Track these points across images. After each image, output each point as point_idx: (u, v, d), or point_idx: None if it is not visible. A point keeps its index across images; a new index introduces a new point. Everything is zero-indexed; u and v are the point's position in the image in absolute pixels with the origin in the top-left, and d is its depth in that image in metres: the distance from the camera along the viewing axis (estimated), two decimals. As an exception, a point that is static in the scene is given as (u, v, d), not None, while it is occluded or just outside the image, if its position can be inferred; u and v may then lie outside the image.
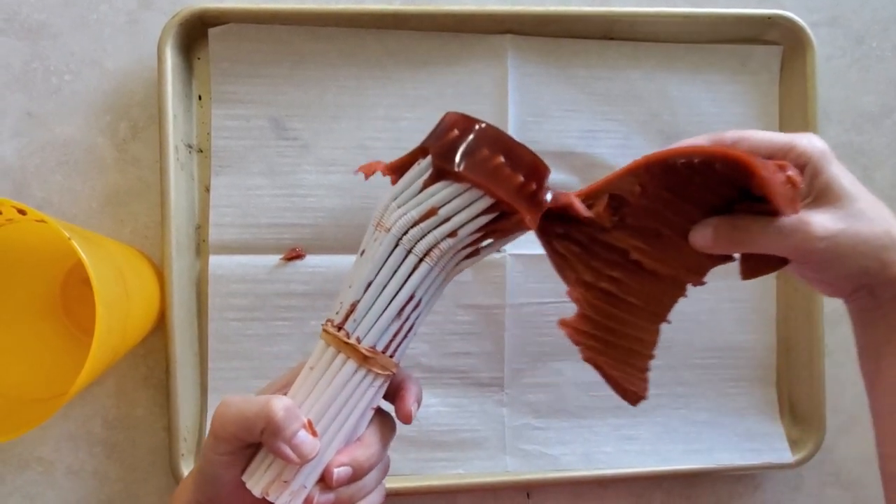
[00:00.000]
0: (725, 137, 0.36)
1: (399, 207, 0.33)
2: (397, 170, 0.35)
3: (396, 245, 0.33)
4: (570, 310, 0.51)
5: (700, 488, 0.55)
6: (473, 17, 0.51)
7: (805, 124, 0.54)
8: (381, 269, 0.33)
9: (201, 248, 0.51)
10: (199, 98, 0.51)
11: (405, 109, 0.52)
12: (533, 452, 0.53)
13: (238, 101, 0.51)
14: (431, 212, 0.33)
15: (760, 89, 0.55)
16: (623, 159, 0.54)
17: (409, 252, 0.33)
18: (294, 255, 0.51)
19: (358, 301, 0.33)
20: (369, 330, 0.33)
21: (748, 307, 0.55)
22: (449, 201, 0.33)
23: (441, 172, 0.32)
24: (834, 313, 0.56)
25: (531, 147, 0.36)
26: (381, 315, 0.33)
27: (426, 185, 0.33)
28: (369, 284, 0.33)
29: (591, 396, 0.54)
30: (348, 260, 0.51)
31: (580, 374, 0.54)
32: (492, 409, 0.53)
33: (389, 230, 0.33)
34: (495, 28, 0.52)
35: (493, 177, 0.32)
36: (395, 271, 0.33)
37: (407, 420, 0.36)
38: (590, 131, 0.53)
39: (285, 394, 0.34)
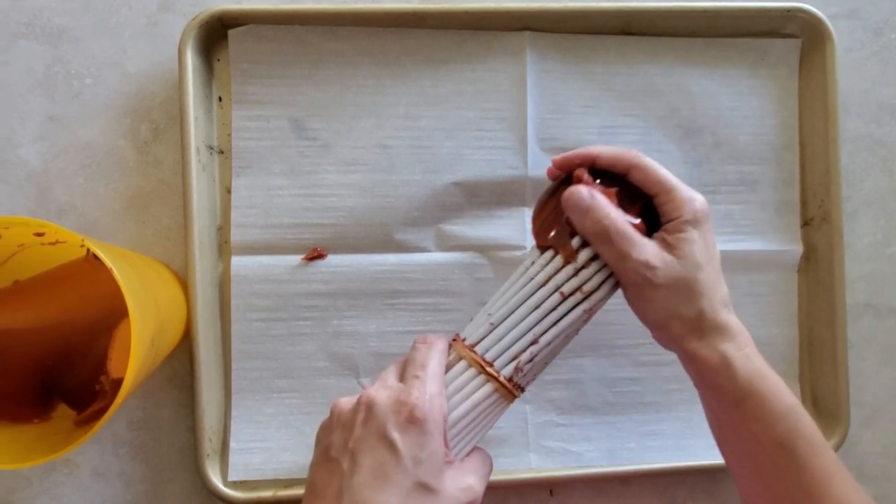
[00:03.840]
0: (625, 158, 0.41)
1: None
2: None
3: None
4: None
5: (723, 483, 0.55)
6: (492, 15, 0.51)
7: (825, 117, 0.53)
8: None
9: (223, 249, 0.51)
10: (220, 99, 0.51)
11: (424, 108, 0.52)
12: (556, 449, 0.53)
13: (258, 101, 0.51)
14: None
15: (779, 83, 0.55)
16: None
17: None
18: (316, 255, 0.51)
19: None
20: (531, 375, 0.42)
21: (769, 301, 0.55)
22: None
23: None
24: (856, 307, 0.56)
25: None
26: (545, 366, 0.42)
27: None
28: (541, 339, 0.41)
29: (614, 392, 0.54)
30: (369, 259, 0.51)
31: (602, 371, 0.54)
32: (514, 406, 0.52)
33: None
34: (514, 25, 0.52)
35: None
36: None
37: None
38: (609, 127, 0.53)
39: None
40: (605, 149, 0.41)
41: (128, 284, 0.33)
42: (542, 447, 0.53)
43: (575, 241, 0.40)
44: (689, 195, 0.40)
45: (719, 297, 0.40)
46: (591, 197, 0.39)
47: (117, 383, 0.36)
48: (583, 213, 0.39)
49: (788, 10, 0.53)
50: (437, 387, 0.38)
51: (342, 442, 0.37)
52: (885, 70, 0.57)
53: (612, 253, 0.39)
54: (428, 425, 0.36)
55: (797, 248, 0.55)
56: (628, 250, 0.38)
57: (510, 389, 0.40)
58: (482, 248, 0.52)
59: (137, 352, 0.32)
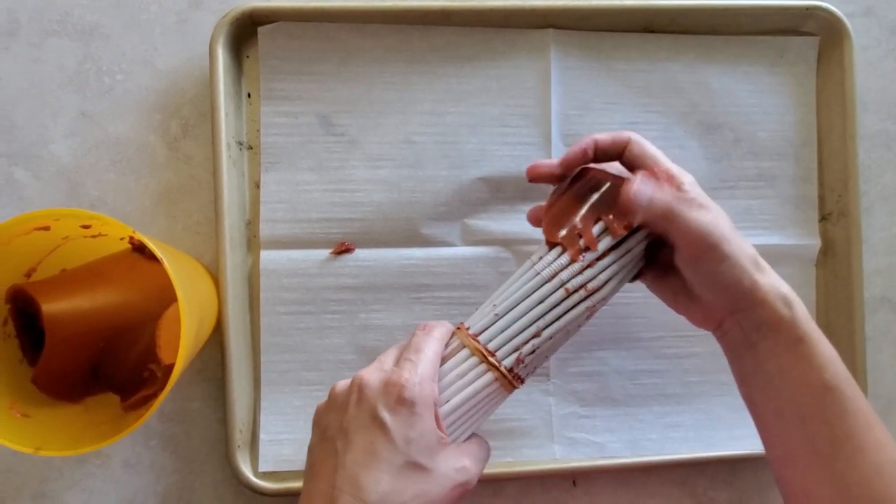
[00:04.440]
0: (623, 136, 0.43)
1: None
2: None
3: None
4: (613, 299, 0.52)
5: (743, 474, 0.56)
6: (517, 13, 0.52)
7: (843, 114, 0.54)
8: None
9: (252, 243, 0.52)
10: (249, 96, 0.52)
11: (450, 104, 0.53)
12: (580, 440, 0.54)
13: (286, 98, 0.52)
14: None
15: (798, 80, 0.56)
16: (664, 150, 0.53)
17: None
18: (343, 249, 0.52)
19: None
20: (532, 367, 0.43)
21: (788, 295, 0.56)
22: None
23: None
24: (873, 300, 0.57)
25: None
26: (546, 358, 0.43)
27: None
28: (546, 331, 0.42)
29: (636, 384, 0.55)
30: (396, 253, 0.52)
31: (624, 363, 0.55)
32: (539, 398, 0.54)
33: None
34: (538, 23, 0.53)
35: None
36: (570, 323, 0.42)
37: None
38: (631, 123, 0.54)
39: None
40: (602, 134, 0.43)
41: (177, 277, 0.33)
42: (565, 438, 0.53)
43: (582, 242, 0.41)
44: (679, 168, 0.42)
45: None
46: (653, 187, 0.40)
47: (169, 370, 0.37)
48: (647, 207, 0.40)
49: (807, 9, 0.54)
50: (428, 370, 0.39)
51: (337, 423, 0.38)
52: (901, 67, 0.58)
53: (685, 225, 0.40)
54: (417, 407, 0.37)
55: (815, 243, 0.56)
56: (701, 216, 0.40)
57: (510, 380, 0.41)
58: (507, 243, 0.53)
59: (187, 339, 0.33)
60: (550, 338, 0.41)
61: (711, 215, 0.40)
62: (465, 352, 0.42)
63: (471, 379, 0.41)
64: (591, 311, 0.42)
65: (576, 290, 0.41)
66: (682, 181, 0.41)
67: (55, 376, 0.40)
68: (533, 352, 0.41)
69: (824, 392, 0.39)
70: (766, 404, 0.42)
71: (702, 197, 0.41)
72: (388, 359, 0.41)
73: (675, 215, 0.39)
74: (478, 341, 0.41)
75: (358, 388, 0.38)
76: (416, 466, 0.37)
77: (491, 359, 0.41)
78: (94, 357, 0.41)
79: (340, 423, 0.38)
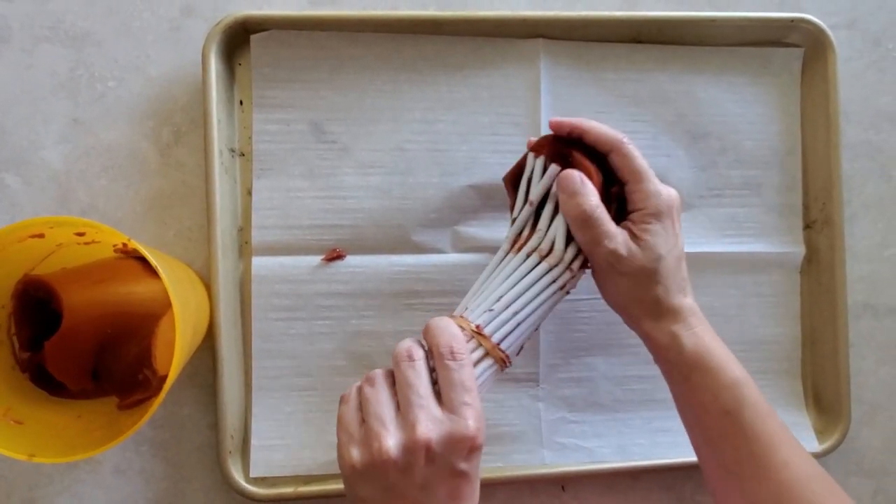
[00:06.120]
0: (614, 141, 0.44)
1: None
2: None
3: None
4: (602, 306, 0.52)
5: (729, 478, 0.57)
6: (507, 23, 0.52)
7: (826, 124, 0.55)
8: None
9: (244, 249, 0.52)
10: (241, 103, 0.52)
11: (441, 112, 0.53)
12: (569, 445, 0.54)
13: (279, 105, 0.52)
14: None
15: (782, 90, 0.57)
16: (652, 159, 0.54)
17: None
18: (335, 256, 0.52)
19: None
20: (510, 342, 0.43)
21: (773, 301, 0.57)
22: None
23: None
24: (856, 307, 0.58)
25: None
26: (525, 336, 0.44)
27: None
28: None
29: (624, 390, 0.55)
30: (387, 260, 0.53)
31: (613, 369, 0.55)
32: (528, 403, 0.54)
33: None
34: (528, 33, 0.53)
35: None
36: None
37: None
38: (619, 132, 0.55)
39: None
40: (596, 127, 0.45)
41: (172, 285, 0.34)
42: (555, 443, 0.54)
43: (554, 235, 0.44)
44: (656, 189, 0.43)
45: (676, 283, 0.44)
46: (582, 183, 0.42)
47: (162, 379, 0.38)
48: (570, 196, 0.42)
49: (792, 21, 0.55)
50: (480, 404, 0.39)
51: (407, 482, 0.37)
52: (883, 78, 0.59)
53: (586, 237, 0.42)
54: (484, 443, 0.38)
55: (800, 250, 0.57)
56: (601, 238, 0.42)
57: (503, 358, 0.43)
58: (497, 250, 0.53)
59: (181, 348, 0.33)
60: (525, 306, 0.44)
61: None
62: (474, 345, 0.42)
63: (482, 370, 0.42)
64: (564, 286, 0.45)
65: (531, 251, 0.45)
66: (647, 206, 0.43)
67: (63, 359, 0.41)
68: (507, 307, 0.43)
69: (722, 417, 0.42)
70: (681, 418, 0.45)
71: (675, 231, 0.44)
72: (431, 404, 0.38)
73: (588, 225, 0.43)
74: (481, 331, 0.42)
75: (424, 450, 0.36)
76: (477, 480, 0.39)
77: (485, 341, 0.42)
78: (98, 347, 0.42)
79: (412, 481, 0.37)
